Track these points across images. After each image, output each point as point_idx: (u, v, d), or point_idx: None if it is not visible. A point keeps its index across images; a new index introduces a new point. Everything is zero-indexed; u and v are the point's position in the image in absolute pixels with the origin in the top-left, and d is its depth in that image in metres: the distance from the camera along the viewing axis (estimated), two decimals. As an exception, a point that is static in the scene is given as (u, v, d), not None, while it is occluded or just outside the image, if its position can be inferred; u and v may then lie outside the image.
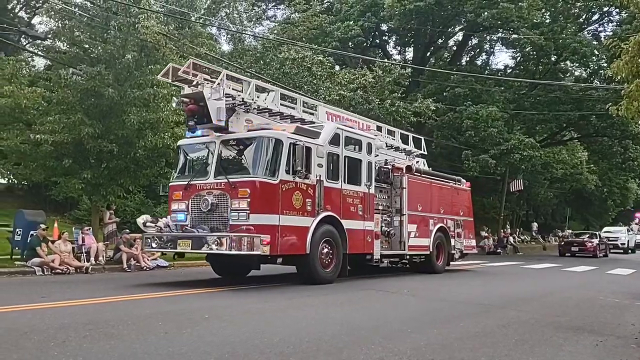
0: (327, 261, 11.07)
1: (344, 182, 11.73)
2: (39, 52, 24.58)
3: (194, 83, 10.91)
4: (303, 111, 12.58)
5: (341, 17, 30.66)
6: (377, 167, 13.56)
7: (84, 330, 5.75)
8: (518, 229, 41.56)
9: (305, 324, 6.60)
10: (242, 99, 11.01)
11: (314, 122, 12.35)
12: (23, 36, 26.18)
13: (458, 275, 15.41)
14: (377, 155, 13.58)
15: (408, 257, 14.10)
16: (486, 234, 32.91)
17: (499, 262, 22.88)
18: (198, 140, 11.18)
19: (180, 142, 11.92)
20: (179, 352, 4.95)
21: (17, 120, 17.24)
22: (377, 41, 37.13)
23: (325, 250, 11.02)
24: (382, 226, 13.11)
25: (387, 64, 27.53)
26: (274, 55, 22.25)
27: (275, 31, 27.53)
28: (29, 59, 24.69)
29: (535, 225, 45.29)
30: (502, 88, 32.30)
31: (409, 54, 38.61)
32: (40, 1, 25.31)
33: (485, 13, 28.99)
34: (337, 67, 28.03)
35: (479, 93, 31.27)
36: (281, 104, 12.18)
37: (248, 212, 9.86)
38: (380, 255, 12.74)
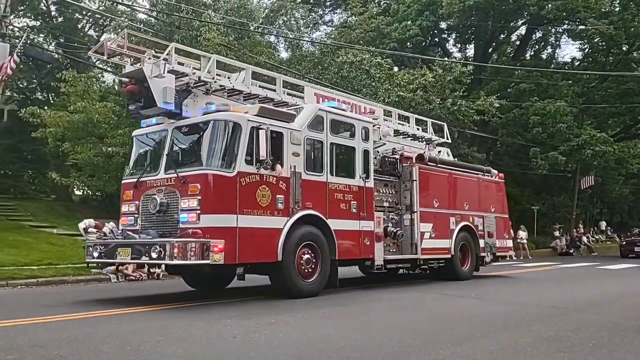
0: (309, 270, 9.32)
1: (331, 174, 9.90)
2: (108, 69, 25.74)
3: (141, 60, 9.15)
4: (287, 93, 10.98)
5: (398, 18, 30.37)
6: (380, 157, 11.87)
7: (157, 335, 5.94)
8: (592, 228, 39.76)
9: (369, 328, 6.56)
10: (199, 77, 9.34)
11: (297, 105, 10.62)
12: (93, 54, 27.40)
13: (518, 279, 14.89)
14: (384, 144, 12.09)
15: (422, 261, 12.03)
16: (559, 234, 31.72)
17: (572, 263, 21.98)
18: (150, 129, 9.57)
19: (134, 133, 10.26)
20: (247, 355, 5.03)
21: (90, 135, 18.15)
22: (436, 40, 36.53)
23: (306, 256, 9.27)
24: (387, 226, 11.34)
25: (447, 62, 27.07)
26: (331, 59, 22.32)
27: (333, 35, 27.64)
28: (99, 75, 25.88)
29: (603, 223, 43.07)
30: (570, 82, 31.05)
31: (470, 51, 37.78)
32: (108, 19, 26.49)
33: (549, 5, 27.93)
34: (395, 69, 27.80)
35: (545, 88, 30.21)
36: (259, 86, 10.62)
37: (198, 212, 8.26)
38: (384, 260, 10.84)
